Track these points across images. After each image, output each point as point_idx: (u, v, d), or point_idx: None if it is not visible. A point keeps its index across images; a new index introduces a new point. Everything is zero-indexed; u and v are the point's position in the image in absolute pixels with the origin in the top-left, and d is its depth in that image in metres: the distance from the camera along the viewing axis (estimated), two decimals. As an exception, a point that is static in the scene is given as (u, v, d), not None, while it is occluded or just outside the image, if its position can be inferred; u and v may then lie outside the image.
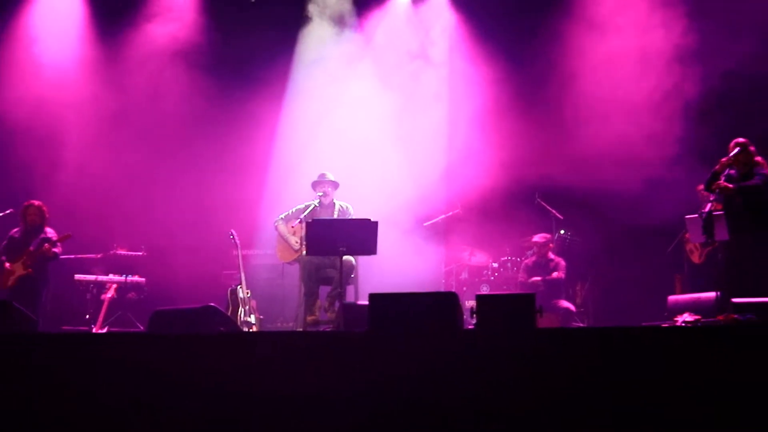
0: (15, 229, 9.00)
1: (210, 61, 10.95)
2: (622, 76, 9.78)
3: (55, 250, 8.83)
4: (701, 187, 8.69)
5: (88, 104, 10.70)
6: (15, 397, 4.65)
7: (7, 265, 8.75)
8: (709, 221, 7.26)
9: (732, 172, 7.54)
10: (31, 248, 8.74)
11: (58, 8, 10.98)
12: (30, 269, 8.69)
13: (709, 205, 7.41)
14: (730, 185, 7.40)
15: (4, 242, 8.94)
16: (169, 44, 10.81)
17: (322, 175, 8.71)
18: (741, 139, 7.63)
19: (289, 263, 8.80)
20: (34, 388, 4.68)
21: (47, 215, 8.98)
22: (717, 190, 7.46)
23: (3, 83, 10.44)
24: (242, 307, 8.83)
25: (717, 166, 7.57)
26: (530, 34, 10.47)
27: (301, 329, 8.10)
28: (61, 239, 8.89)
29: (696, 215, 7.52)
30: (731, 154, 7.47)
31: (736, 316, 5.81)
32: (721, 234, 7.33)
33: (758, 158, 7.58)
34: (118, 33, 10.84)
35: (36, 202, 8.97)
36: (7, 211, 9.28)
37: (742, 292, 6.70)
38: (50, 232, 8.93)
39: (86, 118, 10.64)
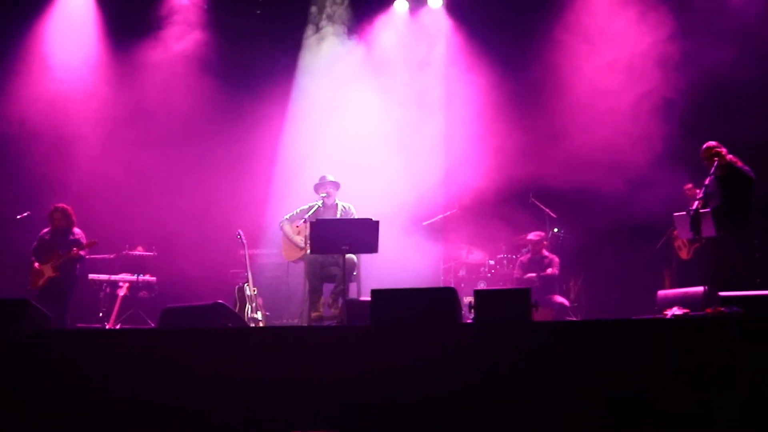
0: (45, 230, 9.12)
1: (218, 67, 11.15)
2: (610, 82, 9.93)
3: (81, 252, 8.96)
4: (689, 185, 8.93)
5: (101, 108, 10.89)
6: (32, 391, 4.84)
7: (36, 265, 8.89)
8: (696, 218, 7.36)
9: (706, 182, 7.69)
10: (60, 251, 8.86)
11: (73, 15, 11.15)
12: (57, 272, 8.83)
13: (696, 203, 7.50)
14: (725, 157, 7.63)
15: (35, 243, 9.06)
16: (179, 50, 11.05)
17: (323, 177, 8.77)
18: (712, 143, 7.85)
19: (294, 262, 8.87)
20: (50, 382, 4.86)
21: (73, 217, 9.09)
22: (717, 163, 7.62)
23: (20, 88, 10.61)
24: (249, 304, 8.94)
25: (686, 189, 8.32)
26: (524, 41, 10.64)
27: (305, 325, 8.15)
28: (89, 245, 8.99)
29: (684, 213, 7.59)
30: (711, 164, 7.70)
31: (723, 309, 5.76)
32: (708, 231, 7.44)
33: (730, 156, 7.77)
34: (130, 39, 11.01)
35: (60, 206, 9.07)
36: (25, 214, 9.47)
37: (728, 286, 6.71)
38: (78, 233, 9.07)
39: (99, 121, 10.82)
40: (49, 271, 8.85)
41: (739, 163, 7.77)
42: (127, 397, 4.76)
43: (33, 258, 8.96)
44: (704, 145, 7.92)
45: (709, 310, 6.38)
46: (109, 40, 11.19)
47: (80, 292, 9.60)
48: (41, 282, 8.83)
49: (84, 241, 9.04)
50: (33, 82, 10.71)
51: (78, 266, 9.11)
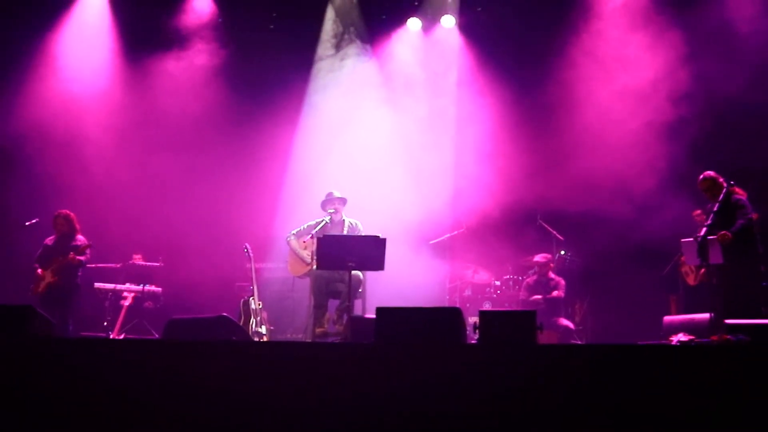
0: (49, 237, 9.15)
1: (231, 78, 11.19)
2: (620, 105, 9.95)
3: (80, 258, 8.93)
4: (697, 212, 8.91)
5: (113, 116, 10.95)
6: (33, 398, 4.80)
7: (39, 271, 8.91)
8: (704, 245, 7.27)
9: (712, 207, 7.66)
10: (60, 257, 8.86)
11: (88, 22, 11.22)
12: (56, 277, 8.85)
13: (704, 229, 7.41)
14: (729, 234, 7.50)
15: (40, 250, 9.08)
16: (192, 60, 11.10)
17: (330, 194, 8.81)
18: (710, 173, 7.90)
19: (299, 277, 8.86)
20: (52, 389, 4.82)
21: (77, 224, 9.12)
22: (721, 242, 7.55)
23: (33, 93, 10.65)
24: (254, 317, 8.93)
25: (695, 215, 8.32)
26: (536, 62, 10.64)
27: (310, 340, 8.14)
28: (83, 249, 8.96)
29: (691, 239, 7.57)
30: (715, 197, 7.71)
31: (729, 336, 5.67)
32: (716, 257, 7.41)
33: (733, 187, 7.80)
34: (143, 47, 11.07)
35: (64, 212, 9.10)
36: (34, 221, 9.47)
37: (735, 313, 6.76)
38: (81, 239, 9.08)
39: (110, 128, 10.86)
40: (48, 277, 8.86)
41: (739, 192, 7.79)
42: (128, 406, 4.73)
43: (36, 264, 8.99)
44: (702, 175, 7.95)
45: (715, 338, 6.36)
46: (123, 47, 11.27)
47: (85, 300, 9.61)
48: (41, 287, 8.85)
49: (82, 247, 9.02)
50: (46, 87, 10.75)
51: (79, 273, 9.09)
